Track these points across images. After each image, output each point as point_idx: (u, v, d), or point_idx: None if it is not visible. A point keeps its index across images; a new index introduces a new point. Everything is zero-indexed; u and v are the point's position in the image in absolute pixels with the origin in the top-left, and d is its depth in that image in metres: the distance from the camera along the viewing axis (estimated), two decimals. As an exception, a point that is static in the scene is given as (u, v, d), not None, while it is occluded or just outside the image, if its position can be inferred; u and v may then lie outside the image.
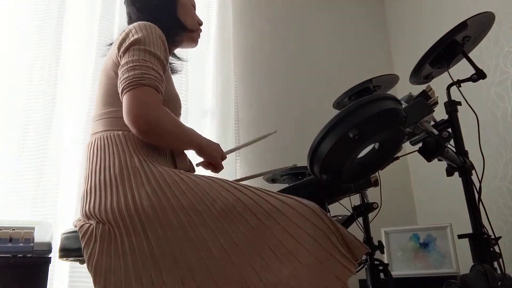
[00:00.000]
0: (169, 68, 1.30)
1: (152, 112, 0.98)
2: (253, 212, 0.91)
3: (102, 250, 0.92)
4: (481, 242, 1.35)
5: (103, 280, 0.89)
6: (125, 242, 0.91)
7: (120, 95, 1.02)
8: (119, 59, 1.07)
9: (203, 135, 1.15)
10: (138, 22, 1.10)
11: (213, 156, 1.16)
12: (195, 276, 0.86)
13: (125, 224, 0.92)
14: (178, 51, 1.38)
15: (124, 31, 1.10)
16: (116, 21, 2.02)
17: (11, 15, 1.89)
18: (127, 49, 1.04)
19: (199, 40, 1.34)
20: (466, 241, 1.39)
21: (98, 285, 0.89)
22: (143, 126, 0.98)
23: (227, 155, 1.24)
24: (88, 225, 0.97)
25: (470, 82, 1.48)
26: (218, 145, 1.19)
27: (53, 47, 1.87)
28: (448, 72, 1.53)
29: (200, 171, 1.24)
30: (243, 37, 2.51)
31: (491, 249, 1.35)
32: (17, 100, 1.79)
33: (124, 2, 1.28)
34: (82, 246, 0.94)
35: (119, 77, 1.03)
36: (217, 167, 1.20)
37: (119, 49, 1.07)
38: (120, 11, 2.04)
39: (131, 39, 1.05)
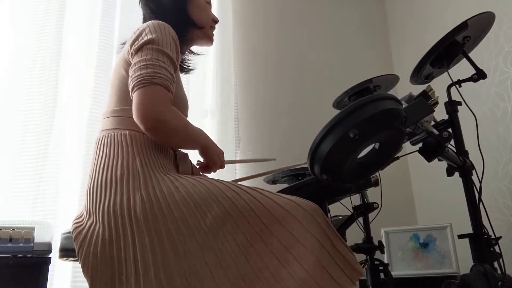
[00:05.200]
0: (179, 69, 1.32)
1: (161, 111, 0.98)
2: (242, 231, 0.89)
3: (89, 252, 0.93)
4: (481, 242, 1.35)
5: (90, 280, 0.90)
6: (113, 245, 0.91)
7: (130, 93, 1.02)
8: (130, 58, 1.07)
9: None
10: (152, 22, 1.10)
11: (214, 161, 1.16)
12: None
13: (116, 227, 0.92)
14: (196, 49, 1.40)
15: (138, 29, 1.10)
16: (117, 20, 2.02)
17: (11, 15, 1.89)
18: (139, 48, 1.05)
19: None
20: (466, 241, 1.39)
21: (88, 283, 0.91)
22: (151, 124, 0.98)
23: (225, 165, 1.25)
24: (81, 225, 0.99)
25: (470, 82, 1.48)
26: (222, 152, 1.19)
27: (53, 47, 1.87)
28: (448, 73, 1.53)
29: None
30: (243, 37, 2.51)
31: (491, 249, 1.35)
32: (17, 100, 1.79)
33: (139, 4, 1.30)
34: (74, 245, 0.96)
35: (130, 74, 1.03)
36: (210, 171, 1.21)
37: (131, 47, 1.07)
38: (121, 10, 2.04)
39: (144, 39, 1.05)
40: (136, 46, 1.05)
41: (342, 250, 0.89)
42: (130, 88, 1.02)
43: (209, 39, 1.33)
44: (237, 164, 2.22)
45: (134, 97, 1.00)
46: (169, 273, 0.86)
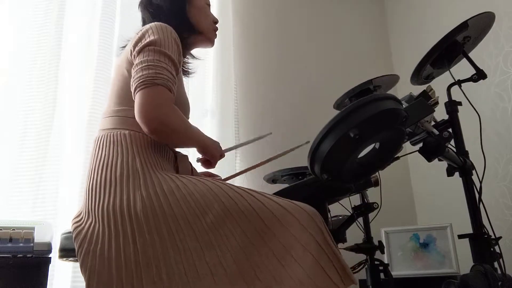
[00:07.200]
0: (181, 71, 1.32)
1: (164, 112, 0.99)
2: (243, 229, 0.89)
3: (89, 251, 0.93)
4: (481, 242, 1.35)
5: (87, 279, 0.90)
6: (112, 244, 0.91)
7: (132, 94, 1.03)
8: (133, 58, 1.08)
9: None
10: (155, 23, 1.11)
11: (214, 156, 1.18)
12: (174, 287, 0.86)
13: (116, 226, 0.92)
14: (196, 51, 1.41)
15: (141, 30, 1.11)
16: (117, 20, 2.02)
17: (11, 15, 1.89)
18: (141, 49, 1.06)
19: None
20: (466, 241, 1.39)
21: (85, 282, 0.91)
22: (154, 125, 0.99)
23: (225, 154, 1.27)
24: (80, 224, 0.99)
25: (470, 82, 1.48)
26: (218, 143, 1.22)
27: (54, 47, 1.87)
28: (450, 72, 1.53)
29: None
30: (243, 37, 2.51)
31: (491, 249, 1.35)
32: (17, 100, 1.79)
33: (138, 8, 1.30)
34: (74, 245, 0.96)
35: (132, 75, 1.04)
36: (213, 165, 1.23)
37: (134, 48, 1.08)
38: (121, 11, 2.04)
39: (147, 40, 1.06)
40: (139, 47, 1.06)
41: (338, 255, 0.89)
42: (132, 89, 1.02)
43: (209, 42, 1.35)
44: (237, 162, 2.23)
45: (137, 98, 1.00)
46: (170, 269, 0.87)
